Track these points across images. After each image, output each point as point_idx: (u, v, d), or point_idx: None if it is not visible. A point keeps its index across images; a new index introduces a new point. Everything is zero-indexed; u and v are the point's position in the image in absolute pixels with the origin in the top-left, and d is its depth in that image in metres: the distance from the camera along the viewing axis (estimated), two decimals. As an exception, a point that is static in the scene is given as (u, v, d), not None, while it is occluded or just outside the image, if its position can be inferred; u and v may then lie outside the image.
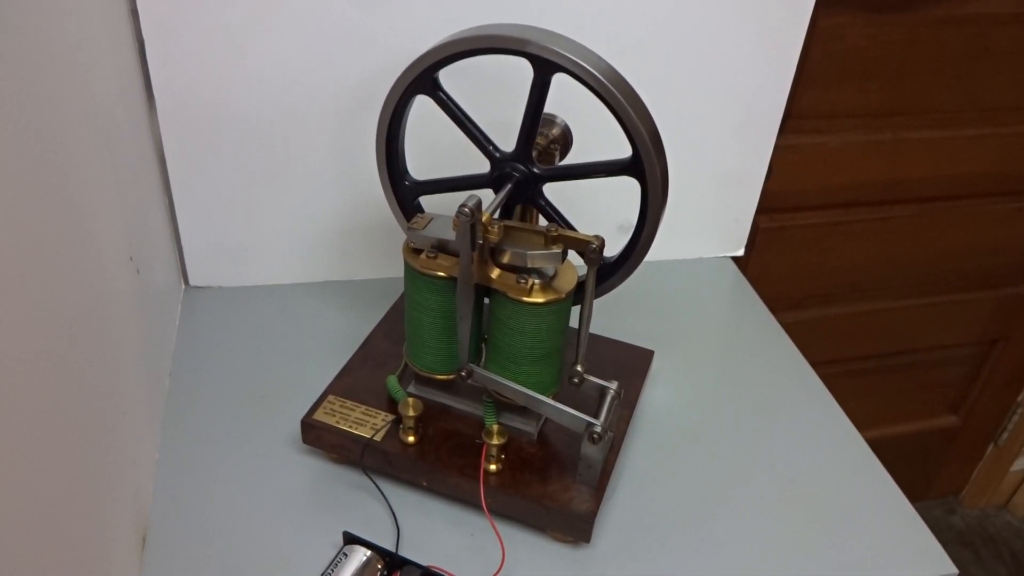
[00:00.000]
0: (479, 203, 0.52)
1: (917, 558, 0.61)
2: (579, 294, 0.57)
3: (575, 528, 0.58)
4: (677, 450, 0.68)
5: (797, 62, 0.81)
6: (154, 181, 0.72)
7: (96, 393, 0.50)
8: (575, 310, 0.58)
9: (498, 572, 0.56)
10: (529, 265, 0.55)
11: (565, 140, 0.63)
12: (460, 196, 0.54)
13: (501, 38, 0.54)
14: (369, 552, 0.55)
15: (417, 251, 0.58)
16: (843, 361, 1.19)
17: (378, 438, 0.60)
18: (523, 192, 0.59)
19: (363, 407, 0.63)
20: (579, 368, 0.58)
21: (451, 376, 0.62)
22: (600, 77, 0.53)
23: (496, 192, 0.59)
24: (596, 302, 0.58)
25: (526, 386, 0.58)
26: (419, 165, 0.65)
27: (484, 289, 0.57)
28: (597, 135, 0.58)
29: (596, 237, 0.55)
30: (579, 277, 0.57)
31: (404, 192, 0.64)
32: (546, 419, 0.62)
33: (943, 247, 1.11)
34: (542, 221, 0.62)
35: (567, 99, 0.57)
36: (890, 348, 1.22)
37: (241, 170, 0.75)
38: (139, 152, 0.67)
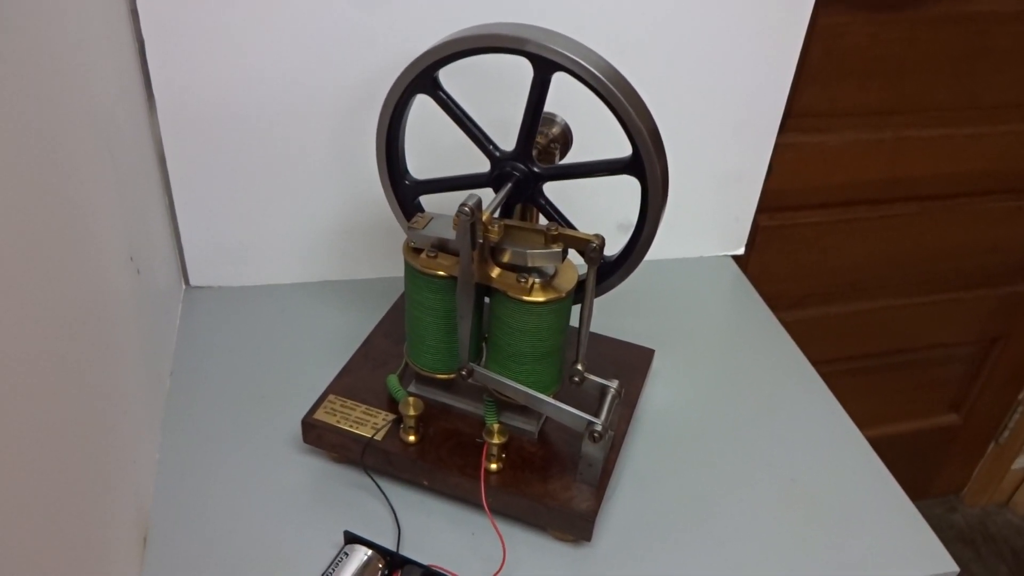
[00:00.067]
0: (479, 202, 0.52)
1: (918, 557, 0.61)
2: (579, 293, 0.57)
3: (576, 527, 0.58)
4: (677, 449, 0.68)
5: (797, 61, 0.81)
6: (154, 181, 0.72)
7: (96, 393, 0.50)
8: (575, 309, 0.58)
9: (499, 571, 0.56)
10: (529, 264, 0.55)
11: (565, 139, 0.63)
12: (460, 195, 0.54)
13: (501, 37, 0.54)
14: (370, 551, 0.55)
15: (417, 250, 0.58)
16: (844, 360, 1.19)
17: (379, 437, 0.60)
18: (523, 191, 0.59)
19: (364, 407, 0.63)
20: (579, 367, 0.58)
21: (452, 375, 0.62)
22: (600, 76, 0.53)
23: (496, 191, 0.59)
24: (596, 301, 0.58)
25: (527, 385, 0.58)
26: (419, 164, 0.65)
27: (484, 288, 0.57)
28: (597, 134, 0.58)
29: (596, 236, 0.55)
30: (579, 276, 0.57)
31: (404, 191, 0.64)
32: (547, 418, 0.62)
33: (943, 245, 1.11)
34: (542, 220, 0.62)
35: (567, 98, 0.57)
36: (890, 347, 1.22)
37: (241, 170, 0.75)
38: (139, 152, 0.67)
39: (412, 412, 0.60)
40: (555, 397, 0.58)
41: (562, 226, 0.57)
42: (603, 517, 0.60)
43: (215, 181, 0.75)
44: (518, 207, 0.61)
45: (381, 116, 0.61)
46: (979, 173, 1.05)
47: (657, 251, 0.62)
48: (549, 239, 0.56)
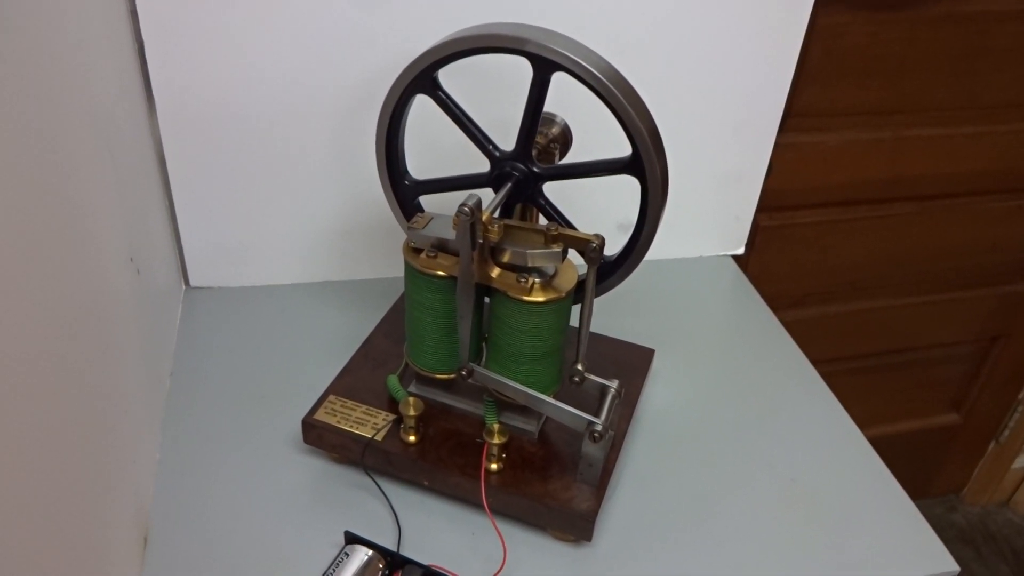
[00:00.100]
0: (479, 202, 0.52)
1: (918, 556, 0.61)
2: (579, 293, 0.57)
3: (576, 527, 0.58)
4: (678, 448, 0.68)
5: (797, 60, 0.81)
6: (154, 181, 0.72)
7: (96, 393, 0.50)
8: (575, 309, 0.58)
9: (499, 571, 0.56)
10: (529, 264, 0.55)
11: (565, 139, 0.63)
12: (460, 195, 0.54)
13: (501, 37, 0.54)
14: (370, 551, 0.55)
15: (417, 250, 0.58)
16: (844, 359, 1.19)
17: (379, 438, 0.60)
18: (523, 191, 0.59)
19: (364, 407, 0.63)
20: (580, 367, 0.58)
21: (452, 375, 0.62)
22: (599, 76, 0.53)
23: (496, 191, 0.59)
24: (596, 301, 0.58)
25: (527, 385, 0.58)
26: (419, 164, 0.65)
27: (484, 288, 0.57)
28: (597, 134, 0.58)
29: (596, 236, 0.55)
30: (579, 276, 0.57)
31: (404, 192, 0.64)
32: (547, 418, 0.62)
33: (943, 245, 1.11)
34: (542, 220, 0.62)
35: (567, 98, 0.57)
36: (891, 346, 1.22)
37: (241, 170, 0.75)
38: (139, 152, 0.67)
39: (412, 412, 0.60)
40: (555, 397, 0.58)
41: (562, 226, 0.57)
42: (603, 517, 0.60)
43: (215, 181, 0.75)
44: (518, 207, 0.61)
45: (381, 116, 0.61)
46: (979, 173, 1.05)
47: (657, 251, 0.62)
48: (549, 239, 0.56)
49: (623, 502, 0.62)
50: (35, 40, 0.43)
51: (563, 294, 0.56)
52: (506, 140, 0.59)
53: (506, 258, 0.56)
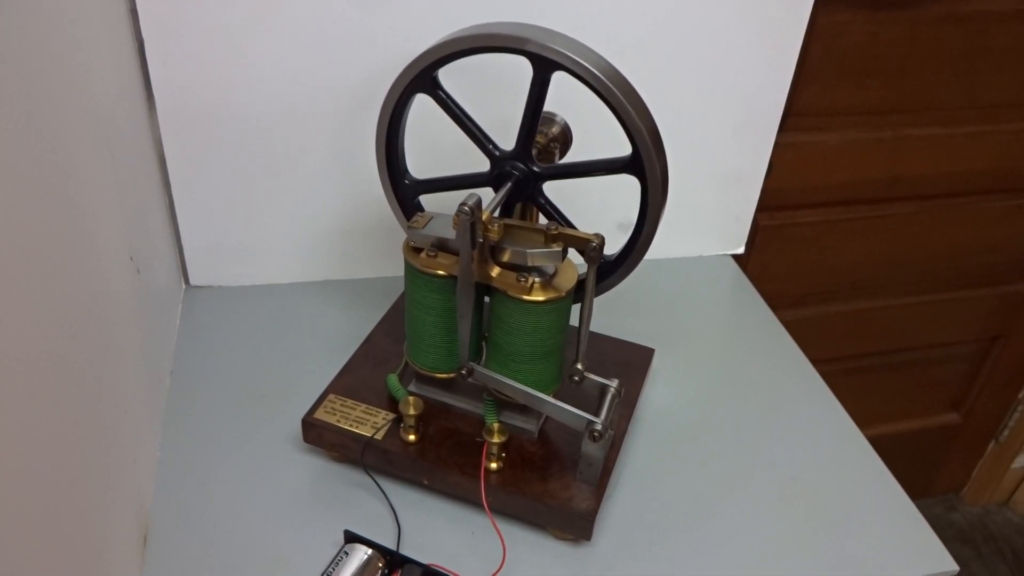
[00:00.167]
0: (479, 201, 0.52)
1: (918, 556, 0.61)
2: (579, 292, 0.57)
3: (576, 526, 0.58)
4: (677, 448, 0.68)
5: (797, 60, 0.81)
6: (154, 181, 0.72)
7: (96, 393, 0.50)
8: (575, 308, 0.58)
9: (499, 570, 0.56)
10: (529, 263, 0.55)
11: (565, 138, 0.63)
12: (460, 195, 0.54)
13: (500, 36, 0.54)
14: (370, 550, 0.55)
15: (417, 250, 0.58)
16: (844, 359, 1.19)
17: (379, 437, 0.60)
18: (523, 190, 0.59)
19: (364, 406, 0.63)
20: (579, 366, 0.58)
21: (452, 375, 0.62)
22: (599, 75, 0.53)
23: (496, 191, 0.59)
24: (596, 300, 0.58)
25: (527, 384, 0.58)
26: (419, 164, 0.65)
27: (484, 287, 0.57)
28: (597, 133, 0.58)
29: (596, 235, 0.55)
30: (579, 275, 0.57)
31: (404, 191, 0.64)
32: (547, 417, 0.62)
33: (943, 244, 1.11)
34: (542, 219, 0.62)
35: (567, 97, 0.57)
36: (891, 346, 1.22)
37: (241, 170, 0.75)
38: (139, 152, 0.67)
39: (412, 411, 0.60)
40: (555, 396, 0.58)
41: (562, 225, 0.57)
42: (603, 516, 0.60)
43: (215, 181, 0.75)
44: (518, 206, 0.61)
45: (381, 116, 0.61)
46: (979, 172, 1.05)
47: (657, 250, 0.62)
48: (549, 238, 0.56)
49: (623, 501, 0.62)
50: (35, 40, 0.43)
51: (563, 293, 0.56)
52: (506, 140, 0.59)
53: (506, 257, 0.56)
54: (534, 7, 0.71)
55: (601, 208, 0.68)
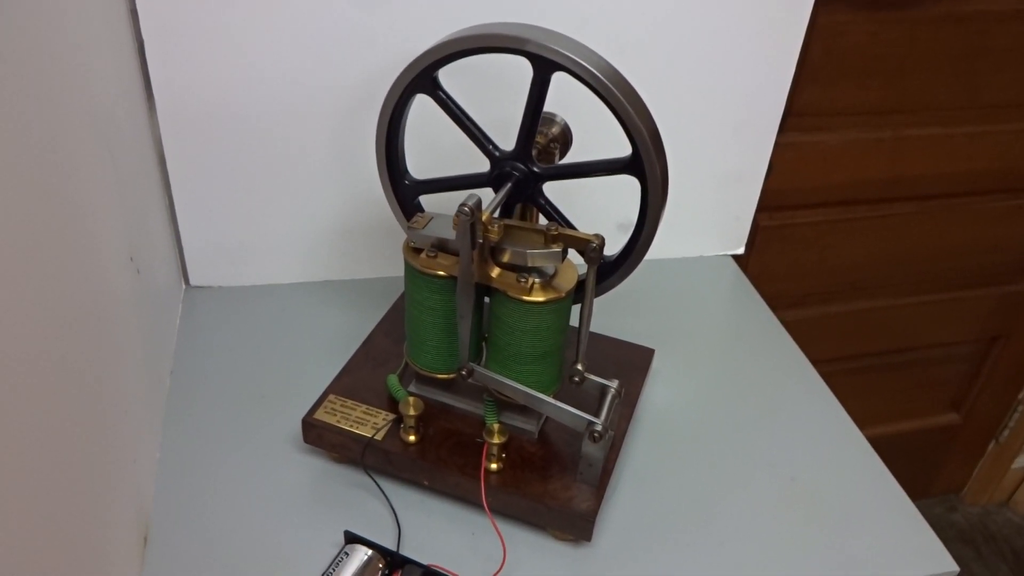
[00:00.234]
0: (479, 202, 0.52)
1: (918, 556, 0.61)
2: (579, 293, 0.57)
3: (576, 527, 0.58)
4: (678, 448, 0.68)
5: (797, 60, 0.81)
6: (154, 181, 0.72)
7: (96, 393, 0.50)
8: (575, 309, 0.58)
9: (499, 571, 0.56)
10: (529, 264, 0.55)
11: (565, 139, 0.63)
12: (460, 195, 0.54)
13: (501, 37, 0.54)
14: (370, 551, 0.55)
15: (417, 250, 0.58)
16: (844, 359, 1.19)
17: (379, 437, 0.60)
18: (523, 191, 0.59)
19: (364, 406, 0.63)
20: (579, 367, 0.58)
21: (452, 375, 0.62)
22: (599, 75, 0.53)
23: (496, 191, 0.59)
24: (596, 301, 0.58)
25: (527, 385, 0.58)
26: (419, 164, 0.65)
27: (484, 288, 0.57)
28: (597, 134, 0.58)
29: (596, 236, 0.55)
30: (579, 276, 0.57)
31: (404, 191, 0.64)
32: (547, 418, 0.62)
33: (943, 244, 1.11)
34: (542, 220, 0.62)
35: (567, 98, 0.57)
36: (891, 346, 1.22)
37: (241, 170, 0.75)
38: (139, 152, 0.67)
39: (412, 412, 0.60)
40: (555, 397, 0.58)
41: (562, 226, 0.57)
42: (603, 517, 0.60)
43: (215, 181, 0.75)
44: (518, 207, 0.61)
45: (381, 116, 0.61)
46: (979, 172, 1.05)
47: (657, 251, 0.62)
48: (549, 239, 0.56)
49: (623, 502, 0.62)
50: (35, 40, 0.43)
51: (563, 294, 0.56)
52: (506, 140, 0.59)
53: (506, 258, 0.56)
54: (534, 7, 0.71)
55: (601, 208, 0.68)
